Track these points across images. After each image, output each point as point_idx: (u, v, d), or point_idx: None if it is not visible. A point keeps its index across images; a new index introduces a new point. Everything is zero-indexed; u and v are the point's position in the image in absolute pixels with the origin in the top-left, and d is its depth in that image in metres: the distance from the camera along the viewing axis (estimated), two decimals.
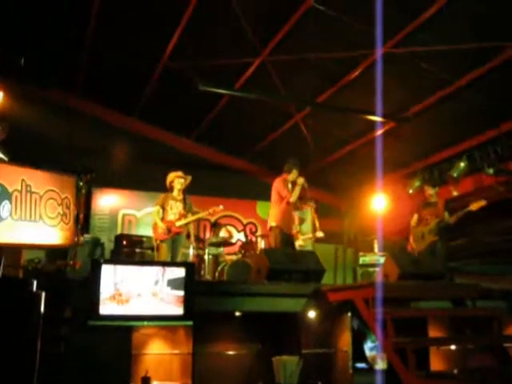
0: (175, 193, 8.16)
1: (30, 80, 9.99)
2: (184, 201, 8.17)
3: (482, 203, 8.35)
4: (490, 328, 6.24)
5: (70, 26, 9.12)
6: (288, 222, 8.02)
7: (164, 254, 7.84)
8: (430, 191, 8.78)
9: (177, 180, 8.15)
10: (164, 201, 8.12)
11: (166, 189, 8.27)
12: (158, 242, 7.96)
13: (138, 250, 9.06)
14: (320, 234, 9.46)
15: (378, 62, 8.26)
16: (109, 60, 9.92)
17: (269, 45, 8.74)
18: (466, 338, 6.48)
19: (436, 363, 6.70)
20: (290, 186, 8.09)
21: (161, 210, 8.06)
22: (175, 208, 8.05)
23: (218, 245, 9.77)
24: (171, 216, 7.99)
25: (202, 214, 8.44)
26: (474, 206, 8.37)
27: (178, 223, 7.97)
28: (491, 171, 9.32)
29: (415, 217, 8.71)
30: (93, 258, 7.84)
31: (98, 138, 11.28)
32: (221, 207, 8.38)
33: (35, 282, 4.16)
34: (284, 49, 8.72)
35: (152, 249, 8.66)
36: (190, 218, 8.21)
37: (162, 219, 7.99)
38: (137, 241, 9.33)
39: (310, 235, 9.70)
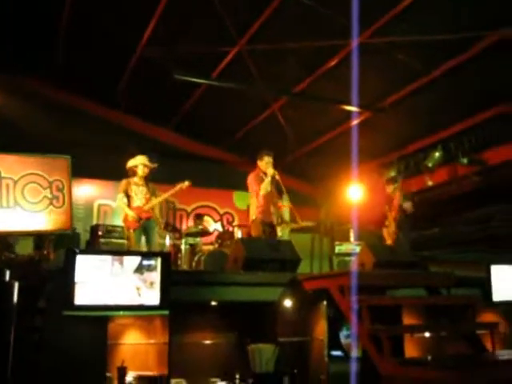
0: (137, 178, 7.90)
1: (3, 69, 9.84)
2: (147, 184, 7.95)
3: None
4: (464, 315, 6.32)
5: (45, 15, 9.00)
6: (267, 213, 8.01)
7: (135, 242, 7.66)
8: (389, 189, 8.99)
9: (141, 167, 7.90)
10: (127, 187, 7.82)
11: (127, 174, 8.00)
12: (131, 231, 7.73)
13: (113, 240, 8.97)
14: (309, 224, 9.45)
15: (355, 52, 8.29)
16: (84, 49, 9.80)
17: (246, 34, 8.73)
18: (440, 325, 6.55)
19: (411, 350, 6.76)
20: (264, 178, 8.01)
21: (125, 198, 7.77)
22: (140, 193, 7.77)
23: (195, 235, 9.75)
24: (137, 202, 7.73)
25: (169, 193, 8.13)
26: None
27: (147, 207, 7.82)
28: (466, 161, 9.43)
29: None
30: (67, 248, 7.74)
31: (74, 128, 11.15)
32: (186, 183, 8.09)
33: (8, 272, 4.11)
34: (261, 38, 8.72)
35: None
36: (158, 198, 8.01)
37: (129, 206, 7.75)
38: (112, 231, 9.24)
39: (294, 225, 9.59)
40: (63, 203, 6.84)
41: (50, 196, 6.74)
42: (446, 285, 6.44)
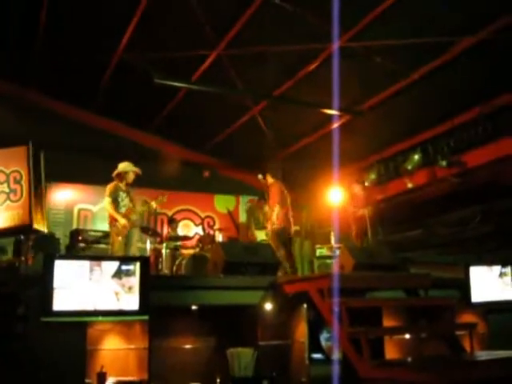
0: (123, 185, 7.84)
1: None
2: (128, 191, 7.88)
3: None
4: (443, 317, 6.38)
5: (22, 17, 8.92)
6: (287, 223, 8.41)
7: (119, 249, 7.61)
8: (355, 189, 9.25)
9: (131, 174, 7.86)
10: (115, 191, 7.72)
11: (112, 177, 7.89)
12: (119, 238, 7.60)
13: (93, 245, 8.91)
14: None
15: (334, 55, 8.33)
16: (63, 53, 9.73)
17: (225, 38, 8.72)
18: (419, 326, 6.60)
19: (391, 352, 6.81)
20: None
21: (112, 203, 7.64)
22: (125, 199, 7.75)
23: (175, 239, 9.72)
24: (122, 208, 7.66)
25: (151, 205, 8.09)
26: None
27: (133, 217, 7.76)
28: (444, 163, 9.51)
29: None
30: (46, 253, 7.66)
31: (54, 132, 11.06)
32: (165, 197, 8.12)
33: None
34: (240, 42, 8.71)
35: (107, 243, 8.52)
36: (140, 208, 7.97)
37: (117, 212, 7.65)
38: (92, 236, 9.17)
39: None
40: (21, 196, 6.39)
41: (7, 190, 6.27)
42: (425, 286, 6.49)
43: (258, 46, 8.67)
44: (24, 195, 6.44)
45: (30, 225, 6.51)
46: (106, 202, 7.69)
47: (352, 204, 9.69)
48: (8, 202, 6.34)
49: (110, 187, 7.77)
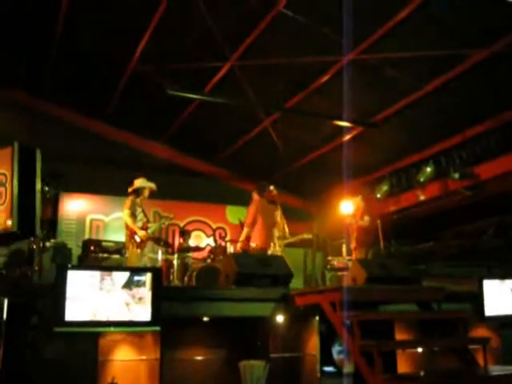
0: (139, 200, 8.02)
1: None
2: (142, 207, 8.09)
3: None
4: (456, 330, 6.32)
5: (38, 27, 9.03)
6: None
7: (138, 260, 7.70)
8: (356, 201, 9.66)
9: (148, 190, 8.06)
10: (132, 206, 7.90)
11: (128, 192, 8.05)
12: (138, 250, 7.74)
13: (105, 255, 8.95)
14: (306, 235, 9.52)
15: (346, 68, 8.35)
16: (77, 63, 9.84)
17: (238, 50, 8.77)
18: (432, 340, 6.54)
19: (403, 366, 6.76)
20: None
21: (131, 216, 7.81)
22: (141, 214, 7.93)
23: (187, 250, 9.73)
24: (139, 223, 7.86)
25: (162, 223, 8.53)
26: None
27: (150, 231, 7.92)
28: (457, 176, 9.47)
29: None
30: (58, 264, 7.70)
31: (67, 143, 11.16)
32: (171, 216, 8.56)
33: None
34: (253, 54, 8.76)
35: (120, 254, 8.58)
36: (154, 225, 8.21)
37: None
38: (105, 246, 9.21)
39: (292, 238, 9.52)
40: (5, 200, 6.13)
41: None
42: (438, 299, 6.44)
43: (270, 57, 8.71)
44: (7, 199, 6.18)
45: (13, 230, 6.23)
46: (125, 214, 7.85)
47: (352, 215, 9.67)
48: None
49: (127, 201, 7.97)
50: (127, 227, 7.86)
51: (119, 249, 8.78)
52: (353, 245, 9.55)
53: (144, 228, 7.81)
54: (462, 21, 7.36)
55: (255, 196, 8.71)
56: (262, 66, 8.92)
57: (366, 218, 9.34)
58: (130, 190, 8.05)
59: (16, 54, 9.71)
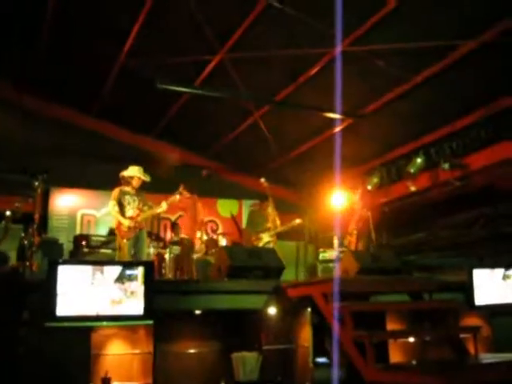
0: (129, 188, 7.89)
1: None
2: (138, 194, 7.93)
3: None
4: (447, 320, 6.37)
5: (25, 21, 8.95)
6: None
7: (127, 252, 7.61)
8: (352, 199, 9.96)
9: (137, 179, 7.94)
10: (120, 195, 7.77)
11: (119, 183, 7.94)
12: (124, 240, 7.66)
13: (97, 250, 8.93)
14: (297, 221, 9.53)
15: (337, 59, 8.33)
16: (65, 57, 9.78)
17: (227, 42, 8.74)
18: (423, 330, 6.59)
19: (395, 356, 6.80)
20: None
21: (117, 206, 7.71)
22: (132, 203, 7.77)
23: (178, 244, 9.72)
24: (130, 211, 7.69)
25: (162, 207, 8.02)
26: None
27: (140, 218, 7.77)
28: (447, 166, 9.50)
29: None
30: (50, 259, 7.67)
31: (56, 138, 11.12)
32: (177, 197, 8.09)
33: None
34: (243, 46, 8.73)
35: (113, 248, 8.54)
36: (150, 211, 8.00)
37: (122, 216, 7.67)
38: (96, 241, 9.19)
39: (279, 228, 9.56)
40: None
41: None
42: (428, 290, 6.49)
43: (260, 50, 8.69)
44: None
45: None
46: (111, 205, 7.79)
47: (357, 206, 9.75)
48: None
49: (114, 191, 7.84)
50: (115, 219, 7.78)
51: (111, 243, 8.75)
52: (353, 236, 9.55)
53: (135, 217, 7.68)
54: (451, 12, 7.36)
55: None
56: (252, 58, 8.89)
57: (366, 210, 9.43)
58: (120, 176, 7.96)
59: (3, 49, 9.63)
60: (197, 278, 8.44)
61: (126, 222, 7.60)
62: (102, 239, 9.14)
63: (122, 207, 7.70)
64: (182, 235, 9.98)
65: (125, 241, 7.61)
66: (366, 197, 10.09)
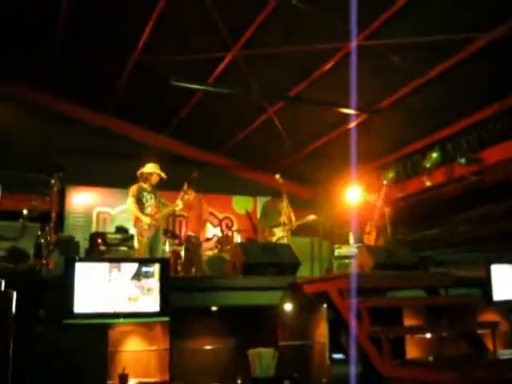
0: (147, 185, 7.96)
1: None
2: (154, 192, 8.00)
3: None
4: (464, 315, 6.33)
5: (39, 20, 9.01)
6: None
7: (145, 249, 7.67)
8: (369, 197, 9.95)
9: (155, 176, 7.99)
10: (138, 192, 7.85)
11: (137, 179, 8.02)
12: (144, 237, 7.73)
13: (113, 248, 8.95)
14: (311, 217, 9.49)
15: (352, 54, 8.29)
16: (79, 55, 9.82)
17: (240, 39, 8.72)
18: (440, 326, 6.55)
19: (412, 352, 6.78)
20: None
21: (136, 203, 7.77)
22: (150, 200, 7.84)
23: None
24: (148, 209, 7.78)
25: (178, 205, 8.15)
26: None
27: (158, 216, 7.82)
28: (463, 161, 9.42)
29: None
30: (66, 257, 7.72)
31: (71, 136, 11.18)
32: (191, 196, 8.20)
33: (3, 282, 4.10)
34: (256, 43, 8.70)
35: (129, 246, 8.58)
36: (167, 209, 8.04)
37: (141, 213, 7.75)
38: (112, 238, 9.21)
39: (297, 223, 9.57)
40: None
41: None
42: (445, 285, 6.45)
43: (273, 46, 8.67)
44: None
45: None
46: (129, 202, 7.86)
47: (368, 211, 9.73)
48: None
49: (133, 188, 7.91)
50: (133, 215, 7.84)
51: (127, 241, 8.79)
52: (372, 233, 9.53)
53: (153, 214, 7.74)
54: (467, 5, 7.28)
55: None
56: (266, 54, 8.87)
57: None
58: (138, 173, 8.01)
59: (16, 47, 9.70)
60: (209, 275, 8.46)
61: (147, 220, 7.64)
62: (119, 237, 9.15)
63: (140, 204, 7.77)
64: (189, 233, 10.00)
65: (145, 239, 7.66)
66: (384, 192, 10.04)
